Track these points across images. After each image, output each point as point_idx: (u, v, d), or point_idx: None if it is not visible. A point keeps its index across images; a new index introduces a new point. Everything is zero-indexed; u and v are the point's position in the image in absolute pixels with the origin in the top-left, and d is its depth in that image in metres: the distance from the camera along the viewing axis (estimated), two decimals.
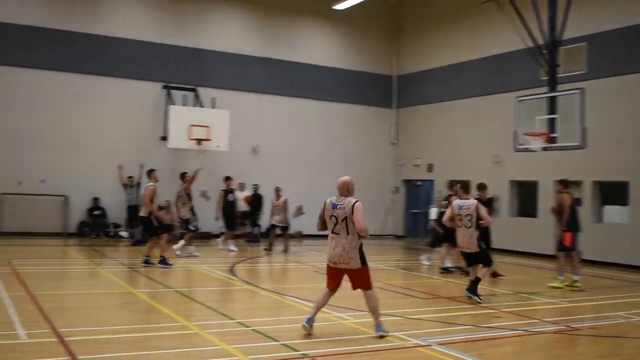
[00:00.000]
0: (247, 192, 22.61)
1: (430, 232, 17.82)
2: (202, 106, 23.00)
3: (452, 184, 15.46)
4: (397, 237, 26.99)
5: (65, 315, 9.35)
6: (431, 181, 25.65)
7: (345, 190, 8.58)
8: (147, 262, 14.99)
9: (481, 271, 11.84)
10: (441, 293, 12.93)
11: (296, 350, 7.65)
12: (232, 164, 22.90)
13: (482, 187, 15.03)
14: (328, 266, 8.73)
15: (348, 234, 8.41)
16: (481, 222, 11.72)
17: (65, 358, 7.02)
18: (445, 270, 15.44)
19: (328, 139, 26.27)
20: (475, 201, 12.00)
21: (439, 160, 25.32)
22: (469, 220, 11.67)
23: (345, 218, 8.39)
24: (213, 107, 22.98)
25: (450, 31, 25.22)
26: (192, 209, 17.63)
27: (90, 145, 21.80)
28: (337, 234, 8.47)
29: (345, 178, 8.69)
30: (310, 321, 8.46)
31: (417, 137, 26.76)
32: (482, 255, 11.91)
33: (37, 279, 12.56)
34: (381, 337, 8.42)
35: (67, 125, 21.74)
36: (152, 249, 15.32)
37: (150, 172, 15.86)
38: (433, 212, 17.05)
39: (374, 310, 8.61)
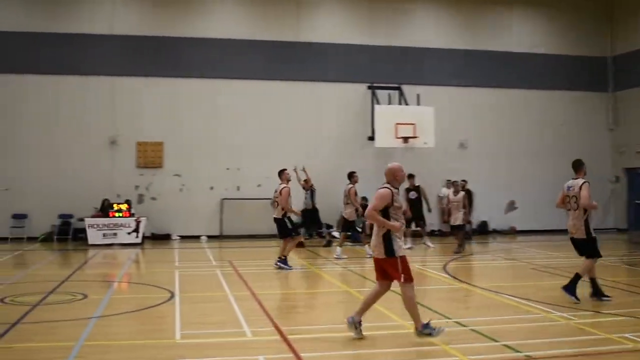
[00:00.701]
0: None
1: None
2: (406, 104, 22.97)
3: None
4: (619, 230, 25.19)
5: (286, 313, 9.71)
6: None
7: (391, 177, 8.02)
8: (284, 263, 14.56)
9: (584, 264, 10.38)
10: None
11: (518, 352, 7.32)
12: (438, 161, 22.72)
13: None
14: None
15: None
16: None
17: (289, 355, 7.25)
18: None
19: (539, 129, 25.06)
20: (582, 180, 10.45)
21: None
22: (575, 202, 10.38)
23: None
24: (418, 104, 22.84)
25: None
26: (357, 210, 16.82)
27: (302, 149, 22.58)
28: None
29: (392, 165, 8.10)
30: (351, 319, 7.99)
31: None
32: (589, 245, 10.42)
33: (257, 279, 13.20)
34: (424, 334, 7.80)
35: (280, 131, 22.82)
36: (286, 250, 14.83)
37: (281, 173, 15.18)
38: None
39: (409, 312, 7.92)
